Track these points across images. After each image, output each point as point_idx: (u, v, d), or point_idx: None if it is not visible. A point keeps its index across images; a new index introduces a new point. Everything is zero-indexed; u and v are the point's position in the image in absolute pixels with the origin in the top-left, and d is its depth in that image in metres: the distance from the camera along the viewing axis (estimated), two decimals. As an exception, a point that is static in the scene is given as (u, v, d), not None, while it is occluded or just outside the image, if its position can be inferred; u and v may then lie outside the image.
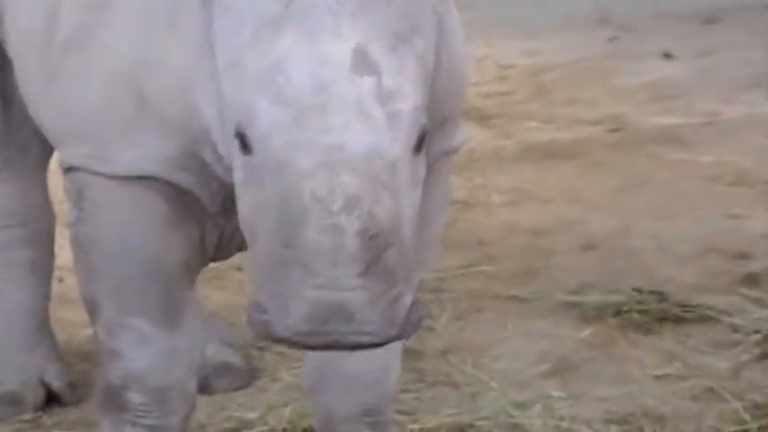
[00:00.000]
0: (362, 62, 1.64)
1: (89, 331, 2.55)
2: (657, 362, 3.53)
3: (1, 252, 2.78)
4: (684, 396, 3.32)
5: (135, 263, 2.10)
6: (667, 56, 7.10)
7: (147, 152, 2.03)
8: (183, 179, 2.06)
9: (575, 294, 3.97)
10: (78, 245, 2.17)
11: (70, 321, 3.45)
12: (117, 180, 2.06)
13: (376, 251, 1.62)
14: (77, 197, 2.15)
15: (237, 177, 1.78)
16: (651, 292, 3.94)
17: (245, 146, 1.71)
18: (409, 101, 1.67)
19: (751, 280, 4.08)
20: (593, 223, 4.67)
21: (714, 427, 3.13)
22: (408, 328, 1.70)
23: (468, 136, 2.18)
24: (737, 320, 3.78)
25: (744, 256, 4.29)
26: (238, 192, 1.80)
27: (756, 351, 3.61)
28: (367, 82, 1.63)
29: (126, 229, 2.09)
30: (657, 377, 3.43)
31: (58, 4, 2.14)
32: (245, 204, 1.78)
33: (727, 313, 3.81)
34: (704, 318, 3.83)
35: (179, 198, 2.08)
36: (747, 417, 3.18)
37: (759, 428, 3.14)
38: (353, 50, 1.63)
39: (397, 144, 1.65)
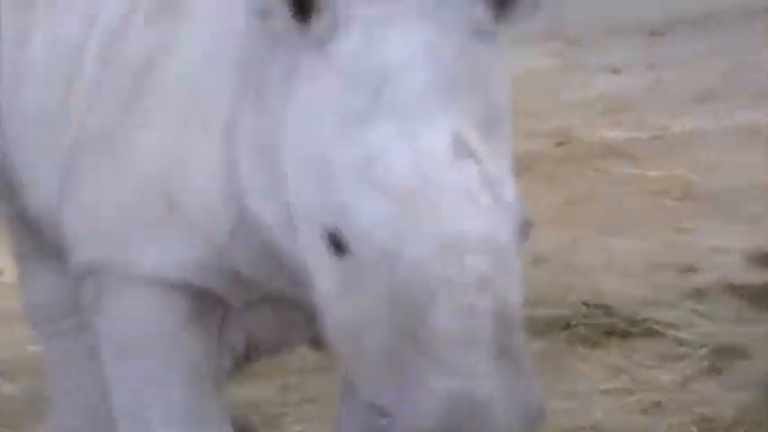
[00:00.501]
0: (462, 148, 1.57)
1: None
2: (605, 376, 3.53)
3: (61, 341, 2.55)
4: (632, 410, 3.32)
5: (155, 367, 2.03)
6: (615, 71, 7.14)
7: (173, 256, 1.96)
8: (208, 282, 1.98)
9: (523, 308, 3.94)
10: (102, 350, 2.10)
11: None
12: (139, 284, 2.00)
13: (508, 334, 1.53)
14: (95, 301, 2.08)
15: (323, 283, 1.66)
16: (598, 306, 3.94)
17: (338, 246, 1.58)
18: (510, 187, 1.61)
19: (698, 294, 4.10)
20: (541, 237, 4.64)
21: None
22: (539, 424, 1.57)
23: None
24: (684, 334, 3.80)
25: (691, 269, 4.31)
26: (324, 299, 1.67)
27: (703, 364, 3.62)
28: (470, 168, 1.56)
29: (145, 330, 2.02)
30: (605, 391, 3.43)
31: (74, 86, 2.08)
32: (338, 310, 1.64)
33: (674, 327, 3.83)
34: (651, 332, 3.85)
35: (201, 297, 2.00)
36: (695, 430, 3.19)
37: (706, 442, 3.15)
38: (452, 137, 1.57)
39: (509, 229, 1.57)
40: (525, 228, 1.61)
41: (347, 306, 1.61)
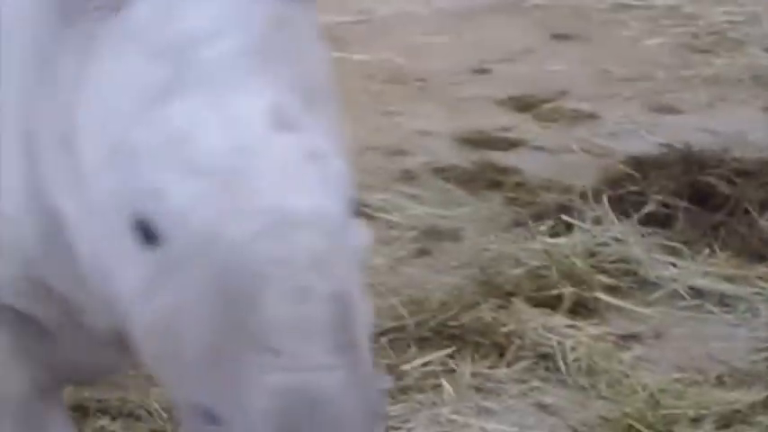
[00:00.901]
0: (280, 117, 1.40)
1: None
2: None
3: None
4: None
5: None
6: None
7: None
8: (21, 303, 1.76)
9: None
10: None
11: None
12: None
13: (348, 319, 1.37)
14: None
15: (129, 281, 1.45)
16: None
17: (148, 235, 1.39)
18: (335, 159, 1.44)
19: (407, 176, 4.13)
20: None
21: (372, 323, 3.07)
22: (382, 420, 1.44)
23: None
24: (394, 217, 3.82)
25: (399, 152, 4.33)
26: (129, 299, 1.46)
27: (413, 247, 3.66)
28: (290, 139, 1.40)
29: None
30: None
31: None
32: (148, 308, 1.43)
33: (383, 210, 3.83)
34: (361, 215, 3.73)
35: (22, 323, 1.78)
36: (405, 312, 3.20)
37: (416, 324, 3.18)
38: (267, 106, 1.40)
39: (339, 204, 1.41)
40: (354, 205, 1.47)
41: (159, 302, 1.41)
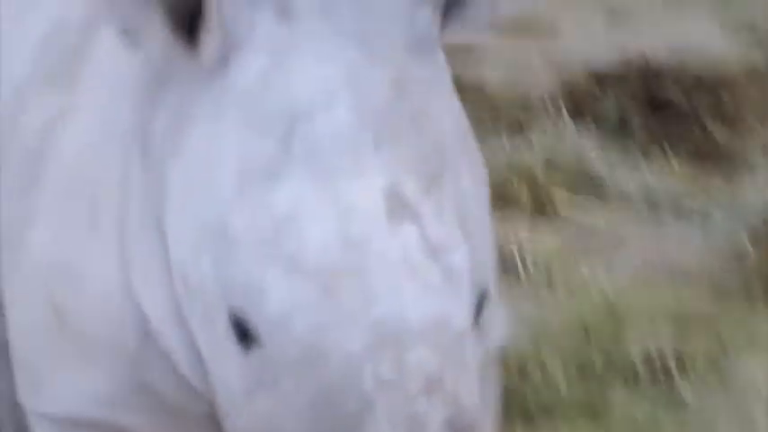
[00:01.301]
0: (398, 207, 1.19)
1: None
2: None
3: None
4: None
5: None
6: None
7: (75, 385, 1.55)
8: (123, 418, 1.56)
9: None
10: None
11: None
12: (44, 424, 1.62)
13: None
14: None
15: (228, 382, 1.29)
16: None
17: (244, 337, 1.22)
18: (461, 252, 1.23)
19: None
20: None
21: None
22: None
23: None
24: None
25: None
26: (228, 401, 1.30)
27: None
28: (408, 232, 1.19)
29: None
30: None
31: None
32: (246, 415, 1.27)
33: None
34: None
35: None
36: None
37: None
38: (384, 193, 1.19)
39: (462, 307, 1.22)
40: (482, 301, 1.27)
41: (257, 407, 1.25)
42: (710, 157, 3.76)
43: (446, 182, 1.25)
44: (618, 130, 3.85)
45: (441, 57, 1.33)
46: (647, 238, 3.46)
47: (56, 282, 1.52)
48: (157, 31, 1.21)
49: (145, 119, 1.37)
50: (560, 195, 3.50)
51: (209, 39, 1.21)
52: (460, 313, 1.21)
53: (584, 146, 3.72)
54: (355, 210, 1.18)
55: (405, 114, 1.23)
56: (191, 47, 1.22)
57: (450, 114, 1.32)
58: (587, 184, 3.62)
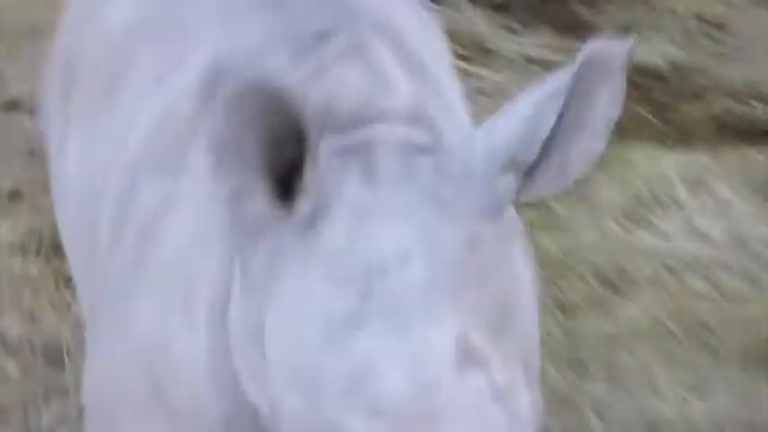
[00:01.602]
0: (468, 356, 1.25)
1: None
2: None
3: None
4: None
5: None
6: None
7: None
8: None
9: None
10: None
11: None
12: None
13: None
14: None
15: None
16: None
17: None
18: (525, 397, 1.28)
19: None
20: None
21: None
22: None
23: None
24: None
25: None
26: None
27: None
28: (478, 380, 1.24)
29: None
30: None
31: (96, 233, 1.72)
32: None
33: None
34: None
35: None
36: None
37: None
38: (455, 342, 1.24)
39: None
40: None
41: None
42: (575, 29, 4.51)
43: (513, 329, 1.28)
44: (504, 7, 4.62)
45: (511, 210, 1.32)
46: (524, 89, 4.01)
47: (155, 359, 1.57)
48: (260, 194, 1.23)
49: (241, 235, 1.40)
50: (456, 56, 3.98)
51: (303, 200, 1.23)
52: None
53: (476, 19, 4.46)
54: (427, 357, 1.21)
55: (475, 269, 1.25)
56: (285, 205, 1.25)
57: (519, 264, 1.33)
58: (478, 48, 4.36)
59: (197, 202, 1.52)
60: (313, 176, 1.21)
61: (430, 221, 1.23)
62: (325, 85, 1.37)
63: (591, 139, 1.21)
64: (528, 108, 1.18)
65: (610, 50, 1.16)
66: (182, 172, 1.56)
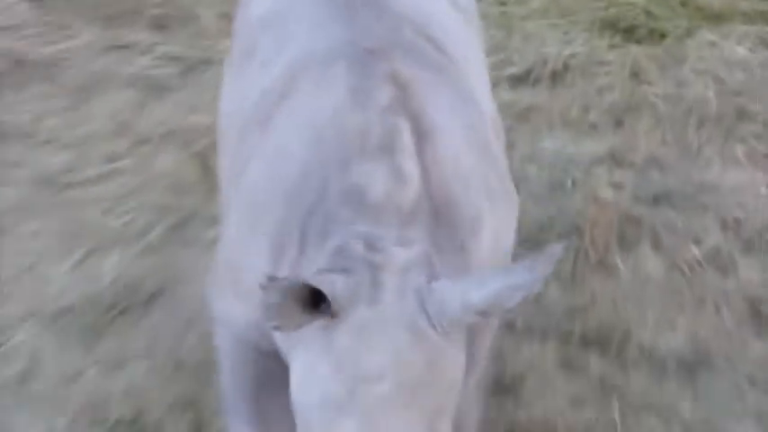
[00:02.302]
0: None
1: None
2: None
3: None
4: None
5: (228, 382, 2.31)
6: None
7: (235, 312, 2.12)
8: (258, 338, 2.11)
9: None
10: None
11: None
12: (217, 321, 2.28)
13: None
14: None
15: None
16: None
17: None
18: None
19: None
20: None
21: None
22: None
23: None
24: None
25: None
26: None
27: None
28: None
29: (223, 355, 2.29)
30: None
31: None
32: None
33: None
34: None
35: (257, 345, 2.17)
36: None
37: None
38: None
39: None
40: None
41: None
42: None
43: (447, 414, 1.77)
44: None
45: (457, 341, 1.80)
46: None
47: (234, 256, 2.08)
48: (298, 324, 1.70)
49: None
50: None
51: (324, 309, 1.71)
52: None
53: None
54: None
55: (430, 380, 1.73)
56: (311, 317, 1.71)
57: (454, 372, 1.79)
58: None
59: (264, 163, 1.99)
60: (334, 304, 1.69)
61: (405, 348, 1.72)
62: (353, 180, 1.81)
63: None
64: (500, 288, 1.66)
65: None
66: (266, 131, 2.01)
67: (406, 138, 1.82)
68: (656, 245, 3.56)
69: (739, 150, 4.02)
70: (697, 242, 3.56)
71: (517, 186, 2.30)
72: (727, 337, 3.24)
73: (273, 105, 2.04)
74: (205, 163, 3.73)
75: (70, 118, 4.08)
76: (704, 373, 3.12)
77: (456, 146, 1.93)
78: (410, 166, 1.80)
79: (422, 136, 1.86)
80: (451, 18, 2.37)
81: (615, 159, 3.96)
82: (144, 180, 3.77)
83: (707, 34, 4.66)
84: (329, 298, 1.67)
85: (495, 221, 1.98)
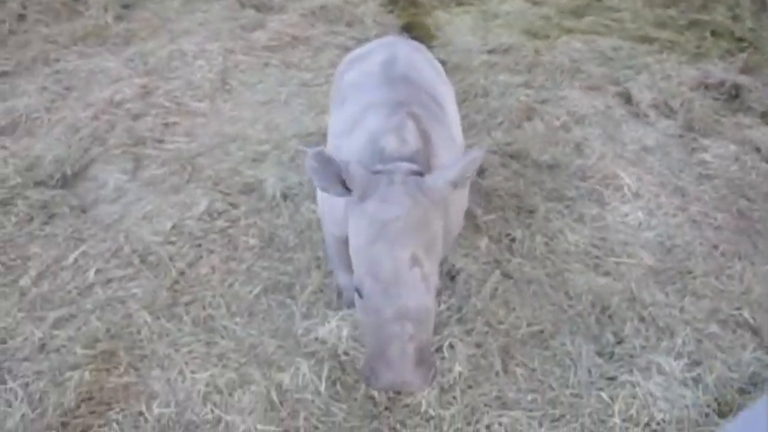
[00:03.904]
0: (414, 261, 3.09)
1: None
2: None
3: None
4: None
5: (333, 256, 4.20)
6: None
7: (330, 228, 3.88)
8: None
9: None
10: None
11: None
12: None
13: (419, 353, 3.12)
14: None
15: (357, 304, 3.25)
16: None
17: (358, 293, 3.16)
18: (435, 277, 3.15)
19: None
20: None
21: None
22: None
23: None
24: None
25: None
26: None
27: None
28: (417, 270, 3.09)
29: (330, 246, 4.11)
30: None
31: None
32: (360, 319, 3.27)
33: None
34: None
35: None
36: None
37: None
38: (411, 255, 3.09)
39: (431, 299, 3.13)
40: (439, 292, 3.23)
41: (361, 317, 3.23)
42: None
43: (434, 248, 3.18)
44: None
45: (439, 202, 3.29)
46: None
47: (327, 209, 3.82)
48: (336, 191, 3.25)
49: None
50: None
51: (355, 192, 3.25)
52: (430, 301, 3.14)
53: None
54: (399, 259, 3.08)
55: (425, 224, 3.16)
56: (345, 189, 3.26)
57: (439, 220, 3.27)
58: None
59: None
60: (354, 186, 3.22)
61: (410, 206, 3.15)
62: (381, 144, 3.37)
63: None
64: (463, 164, 3.21)
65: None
66: (350, 135, 3.61)
67: (411, 127, 3.38)
68: None
69: None
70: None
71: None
72: None
73: (355, 123, 3.62)
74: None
75: None
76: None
77: (441, 146, 3.52)
78: (411, 138, 3.35)
79: (426, 141, 3.41)
80: (443, 85, 4.11)
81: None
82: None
83: None
84: (348, 182, 3.19)
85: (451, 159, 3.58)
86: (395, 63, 3.92)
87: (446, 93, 4.07)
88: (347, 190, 3.20)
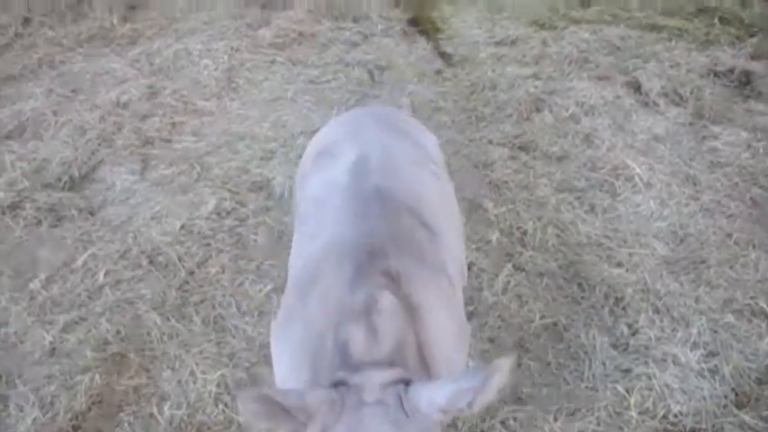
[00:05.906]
0: None
1: None
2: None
3: None
4: None
5: None
6: None
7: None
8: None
9: None
10: None
11: None
12: None
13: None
14: None
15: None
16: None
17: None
18: None
19: None
20: None
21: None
22: None
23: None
24: None
25: None
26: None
27: None
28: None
29: None
30: None
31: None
32: None
33: None
34: None
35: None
36: None
37: None
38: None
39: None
40: None
41: None
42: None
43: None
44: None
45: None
46: None
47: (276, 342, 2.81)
48: (291, 427, 2.14)
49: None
50: None
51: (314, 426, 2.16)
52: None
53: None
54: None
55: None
56: (292, 419, 2.14)
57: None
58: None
59: (300, 323, 2.65)
60: (314, 423, 2.16)
61: None
62: (342, 337, 2.35)
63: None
64: (455, 389, 2.11)
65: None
66: (304, 299, 2.68)
67: (386, 304, 2.37)
68: None
69: None
70: None
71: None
72: None
73: (308, 285, 2.67)
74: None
75: None
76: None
77: (435, 317, 2.55)
78: (387, 326, 2.33)
79: (411, 309, 2.44)
80: (434, 191, 3.09)
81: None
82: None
83: None
84: (288, 407, 2.12)
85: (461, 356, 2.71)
86: (366, 168, 2.92)
87: (438, 202, 3.07)
88: (303, 424, 2.17)
